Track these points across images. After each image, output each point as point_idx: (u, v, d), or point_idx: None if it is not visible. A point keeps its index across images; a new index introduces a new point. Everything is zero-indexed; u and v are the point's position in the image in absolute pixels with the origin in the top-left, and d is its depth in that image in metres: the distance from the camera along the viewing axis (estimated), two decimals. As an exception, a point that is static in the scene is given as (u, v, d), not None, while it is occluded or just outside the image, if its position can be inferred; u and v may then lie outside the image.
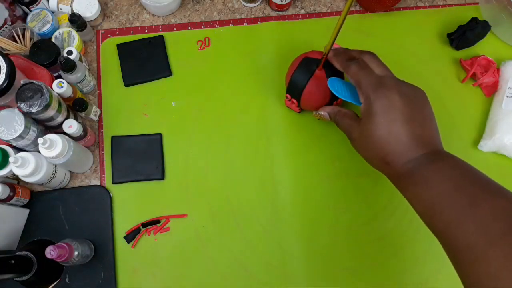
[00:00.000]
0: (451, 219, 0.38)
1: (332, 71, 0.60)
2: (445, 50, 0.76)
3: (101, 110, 0.68)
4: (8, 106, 0.56)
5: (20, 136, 0.53)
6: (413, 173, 0.42)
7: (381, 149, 0.44)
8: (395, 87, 0.46)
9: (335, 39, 0.52)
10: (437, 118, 0.71)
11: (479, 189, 0.40)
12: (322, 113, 0.57)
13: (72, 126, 0.57)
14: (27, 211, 0.61)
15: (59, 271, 0.59)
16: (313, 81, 0.59)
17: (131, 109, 0.68)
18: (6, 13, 0.63)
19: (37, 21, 0.65)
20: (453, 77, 0.74)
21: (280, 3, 0.73)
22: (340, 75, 0.61)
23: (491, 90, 0.72)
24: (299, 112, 0.69)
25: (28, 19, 0.65)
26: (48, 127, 0.60)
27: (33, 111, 0.52)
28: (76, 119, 0.62)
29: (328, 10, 0.77)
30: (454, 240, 0.38)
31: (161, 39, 0.72)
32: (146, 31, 0.73)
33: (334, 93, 0.59)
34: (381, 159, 0.44)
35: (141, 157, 0.65)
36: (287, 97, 0.65)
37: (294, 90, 0.62)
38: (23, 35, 0.64)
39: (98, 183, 0.65)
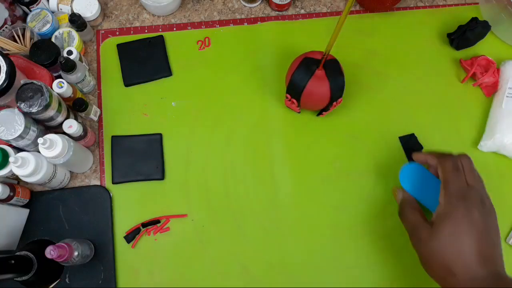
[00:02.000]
0: None
1: (332, 72, 0.60)
2: (445, 50, 0.76)
3: (101, 110, 0.68)
4: (8, 106, 0.56)
5: (20, 136, 0.53)
6: None
7: (450, 257, 0.44)
8: (479, 202, 0.46)
9: (335, 39, 0.52)
10: (438, 118, 0.72)
11: None
12: (398, 193, 0.56)
13: (72, 126, 0.57)
14: (27, 211, 0.61)
15: (59, 271, 0.59)
16: (313, 81, 0.59)
17: (131, 109, 0.68)
18: (6, 13, 0.63)
19: (37, 21, 0.65)
20: (453, 77, 0.74)
21: (280, 3, 0.73)
22: (340, 77, 0.60)
23: (491, 90, 0.72)
24: (299, 112, 0.69)
25: (28, 19, 0.65)
26: (48, 127, 0.60)
27: (33, 111, 0.52)
28: (76, 119, 0.62)
29: (328, 10, 0.77)
30: None
31: (161, 39, 0.72)
32: (146, 31, 0.73)
33: (402, 184, 0.60)
34: (447, 268, 0.44)
35: (141, 157, 0.65)
36: (287, 97, 0.65)
37: (294, 90, 0.62)
38: (23, 35, 0.64)
39: (98, 183, 0.65)
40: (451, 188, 0.47)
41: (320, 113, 0.68)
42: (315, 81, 0.59)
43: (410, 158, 0.61)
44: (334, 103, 0.63)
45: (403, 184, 0.62)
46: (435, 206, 0.61)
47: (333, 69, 0.60)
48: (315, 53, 0.61)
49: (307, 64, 0.60)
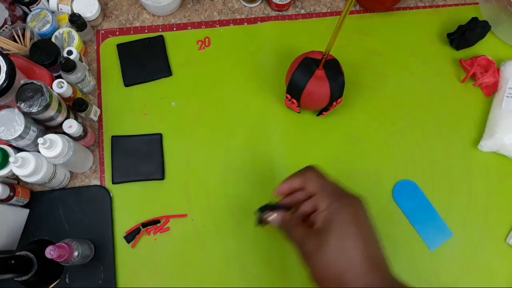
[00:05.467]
0: None
1: (332, 72, 0.60)
2: (445, 50, 0.76)
3: (101, 110, 0.68)
4: (8, 106, 0.56)
5: (20, 136, 0.53)
6: None
7: (341, 266, 0.40)
8: (357, 202, 0.44)
9: (335, 39, 0.52)
10: (437, 118, 0.72)
11: None
12: (270, 218, 0.49)
13: (72, 126, 0.57)
14: (27, 211, 0.61)
15: (59, 271, 0.59)
16: (313, 81, 0.59)
17: (131, 109, 0.68)
18: (6, 13, 0.63)
19: (37, 21, 0.65)
20: (453, 77, 0.74)
21: (280, 3, 0.73)
22: (340, 77, 0.61)
23: (491, 90, 0.72)
24: (299, 112, 0.69)
25: (28, 19, 0.65)
26: (48, 127, 0.60)
27: (33, 111, 0.52)
28: (76, 119, 0.62)
29: (328, 10, 0.77)
30: None
31: (161, 39, 0.72)
32: (146, 31, 0.73)
33: (398, 204, 0.63)
34: (339, 277, 0.40)
35: (141, 157, 0.65)
36: (287, 97, 0.65)
37: (294, 90, 0.62)
38: (23, 35, 0.64)
39: (98, 183, 0.65)
40: (324, 195, 0.44)
41: (320, 113, 0.68)
42: (315, 81, 0.59)
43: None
44: (334, 103, 0.63)
45: (397, 201, 0.64)
46: (425, 227, 0.64)
47: (333, 69, 0.60)
48: (315, 53, 0.61)
49: (307, 64, 0.60)
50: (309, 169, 0.49)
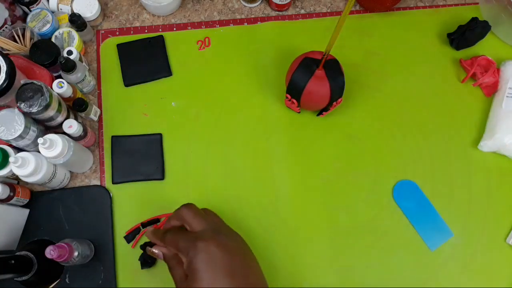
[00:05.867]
0: None
1: (332, 72, 0.60)
2: (445, 50, 0.76)
3: (101, 110, 0.68)
4: (8, 106, 0.56)
5: (20, 136, 0.53)
6: None
7: None
8: (212, 239, 0.45)
9: (335, 39, 0.52)
10: (437, 118, 0.72)
11: None
12: (156, 251, 0.51)
13: (72, 126, 0.57)
14: (27, 211, 0.61)
15: (59, 271, 0.59)
16: (313, 81, 0.59)
17: (131, 109, 0.68)
18: (6, 13, 0.63)
19: (37, 21, 0.65)
20: (453, 77, 0.74)
21: (280, 3, 0.73)
22: (340, 77, 0.61)
23: (491, 90, 0.72)
24: (299, 112, 0.69)
25: (28, 19, 0.65)
26: (48, 127, 0.60)
27: (33, 111, 0.52)
28: (76, 119, 0.62)
29: (328, 10, 0.77)
30: None
31: (161, 39, 0.72)
32: (146, 31, 0.73)
33: (398, 204, 0.64)
34: None
35: (141, 157, 0.65)
36: (287, 97, 0.65)
37: (294, 90, 0.62)
38: (23, 35, 0.64)
39: (98, 183, 0.65)
40: (181, 245, 0.46)
41: (320, 113, 0.68)
42: (315, 81, 0.59)
43: None
44: (334, 103, 0.63)
45: (397, 201, 0.64)
46: (425, 226, 0.64)
47: (333, 69, 0.60)
48: (315, 53, 0.61)
49: (307, 64, 0.60)
50: (185, 206, 0.51)
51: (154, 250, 0.51)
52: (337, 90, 0.61)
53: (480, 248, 0.64)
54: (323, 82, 0.59)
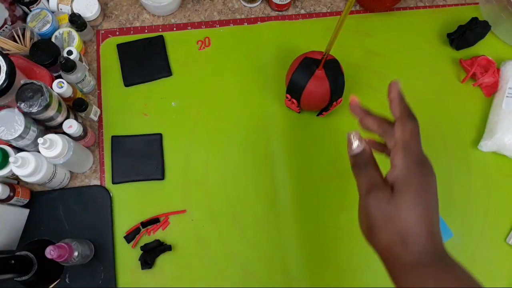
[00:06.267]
0: None
1: (332, 72, 0.60)
2: (445, 50, 0.76)
3: (101, 110, 0.68)
4: (8, 106, 0.56)
5: (20, 136, 0.53)
6: (418, 268, 0.40)
7: (406, 225, 0.41)
8: (434, 173, 0.44)
9: (335, 39, 0.52)
10: (437, 118, 0.72)
11: None
12: (357, 143, 0.46)
13: (72, 126, 0.57)
14: (27, 211, 0.61)
15: (59, 271, 0.59)
16: (313, 81, 0.59)
17: (131, 109, 0.68)
18: (6, 13, 0.63)
19: (37, 21, 0.65)
20: (453, 77, 0.74)
21: (280, 3, 0.73)
22: (340, 77, 0.60)
23: (491, 90, 0.72)
24: (299, 112, 0.69)
25: (28, 19, 0.65)
26: (48, 127, 0.60)
27: (33, 111, 0.52)
28: (76, 119, 0.62)
29: (328, 10, 0.77)
30: None
31: (161, 39, 0.72)
32: (146, 31, 0.73)
33: None
34: (400, 236, 0.41)
35: (141, 157, 0.65)
36: (287, 97, 0.65)
37: (294, 90, 0.62)
38: (23, 35, 0.64)
39: (98, 183, 0.65)
40: (410, 152, 0.43)
41: (320, 113, 0.68)
42: (315, 81, 0.59)
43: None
44: (334, 103, 0.63)
45: None
46: None
47: (333, 69, 0.60)
48: (315, 53, 0.61)
49: (307, 64, 0.60)
50: (412, 121, 0.46)
51: (353, 138, 0.46)
52: (337, 90, 0.61)
53: (480, 248, 0.64)
54: (323, 82, 0.59)
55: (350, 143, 0.48)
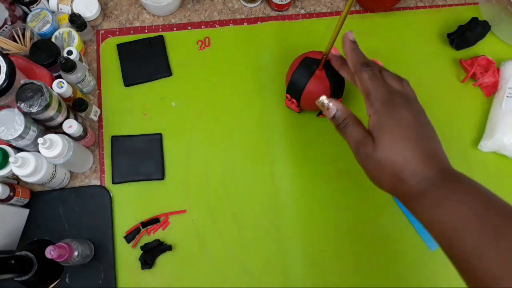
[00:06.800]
0: (473, 248, 0.36)
1: (332, 72, 0.60)
2: (445, 50, 0.76)
3: (101, 110, 0.68)
4: (8, 106, 0.56)
5: (20, 136, 0.53)
6: (428, 193, 0.40)
7: (396, 165, 0.42)
8: (406, 103, 0.46)
9: (335, 39, 0.52)
10: (437, 118, 0.72)
11: (502, 216, 0.37)
12: (331, 105, 0.47)
13: (72, 126, 0.57)
14: (27, 211, 0.61)
15: (59, 271, 0.59)
16: (313, 81, 0.59)
17: (131, 109, 0.68)
18: (6, 13, 0.63)
19: (37, 21, 0.65)
20: (453, 77, 0.74)
21: (280, 3, 0.73)
22: (340, 77, 0.61)
23: (491, 90, 0.72)
24: (299, 112, 0.69)
25: (28, 19, 0.65)
26: (48, 127, 0.60)
27: (33, 111, 0.52)
28: (76, 119, 0.62)
29: (328, 10, 0.77)
30: (477, 272, 0.35)
31: (161, 39, 0.72)
32: (146, 31, 0.73)
33: (398, 204, 0.64)
34: (396, 176, 0.43)
35: (141, 157, 0.65)
36: (287, 97, 0.65)
37: (294, 90, 0.62)
38: (23, 35, 0.64)
39: (98, 183, 0.65)
40: (373, 96, 0.45)
41: (320, 113, 0.68)
42: (315, 81, 0.59)
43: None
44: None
45: (397, 201, 0.65)
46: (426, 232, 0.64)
47: (333, 69, 0.60)
48: (315, 53, 0.61)
49: (307, 64, 0.60)
50: (374, 66, 0.48)
51: (327, 102, 0.48)
52: (337, 90, 0.61)
53: (480, 248, 0.64)
54: (323, 82, 0.59)
55: (324, 109, 0.49)
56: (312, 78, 0.59)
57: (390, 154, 0.43)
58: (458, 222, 0.37)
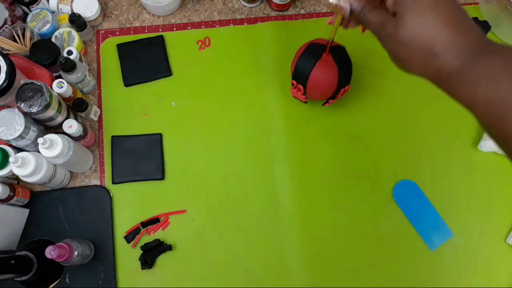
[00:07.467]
0: None
1: (340, 57, 0.58)
2: (445, 50, 0.76)
3: (101, 110, 0.68)
4: (8, 106, 0.56)
5: (20, 136, 0.53)
6: (469, 68, 0.36)
7: (425, 38, 0.38)
8: None
9: (337, 28, 0.51)
10: (437, 118, 0.72)
11: None
12: (342, 2, 0.44)
13: (72, 126, 0.57)
14: (27, 211, 0.61)
15: (59, 271, 0.59)
16: (319, 64, 0.57)
17: (131, 109, 0.68)
18: (6, 13, 0.63)
19: (37, 21, 0.65)
20: (453, 77, 0.74)
21: (280, 3, 0.73)
22: (348, 62, 0.59)
23: (491, 90, 0.72)
24: (305, 102, 0.66)
25: (28, 19, 0.65)
26: (48, 127, 0.60)
27: (33, 111, 0.52)
28: (76, 119, 0.62)
29: (328, 10, 0.77)
30: None
31: (161, 39, 0.72)
32: (146, 31, 0.73)
33: (398, 204, 0.64)
34: (427, 52, 0.39)
35: (141, 157, 0.65)
36: (293, 84, 0.62)
37: (300, 75, 0.59)
38: (23, 35, 0.64)
39: (98, 183, 0.65)
40: None
41: (325, 102, 0.65)
42: (322, 65, 0.57)
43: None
44: (342, 90, 0.61)
45: (397, 201, 0.64)
46: (424, 226, 0.64)
47: (340, 55, 0.58)
48: (321, 40, 0.59)
49: (313, 48, 0.58)
50: None
51: (337, 1, 0.44)
52: (345, 75, 0.59)
53: (480, 248, 0.64)
54: (331, 66, 0.57)
55: (338, 9, 0.45)
56: (318, 61, 0.57)
57: (416, 27, 0.38)
58: (509, 95, 0.33)
